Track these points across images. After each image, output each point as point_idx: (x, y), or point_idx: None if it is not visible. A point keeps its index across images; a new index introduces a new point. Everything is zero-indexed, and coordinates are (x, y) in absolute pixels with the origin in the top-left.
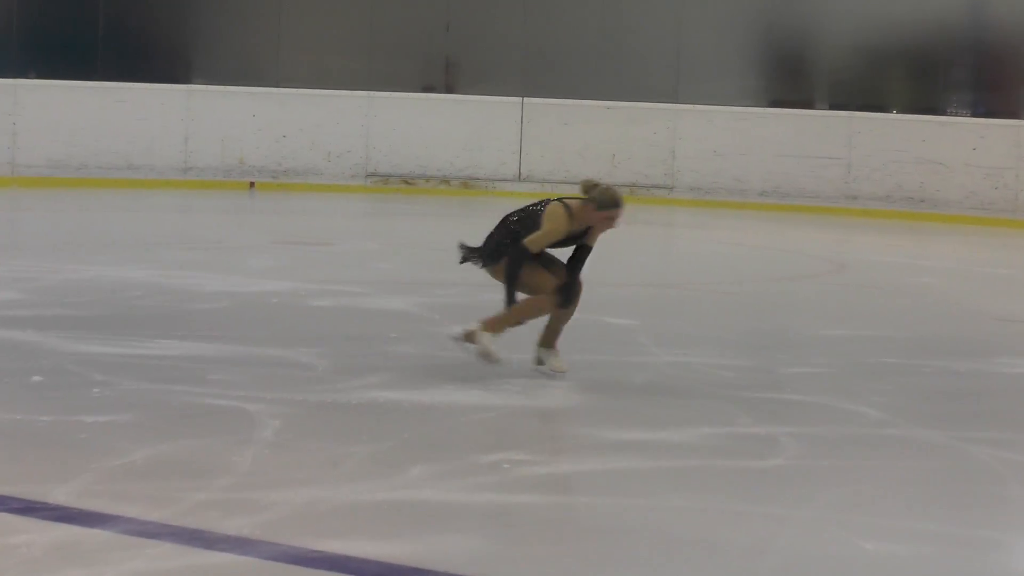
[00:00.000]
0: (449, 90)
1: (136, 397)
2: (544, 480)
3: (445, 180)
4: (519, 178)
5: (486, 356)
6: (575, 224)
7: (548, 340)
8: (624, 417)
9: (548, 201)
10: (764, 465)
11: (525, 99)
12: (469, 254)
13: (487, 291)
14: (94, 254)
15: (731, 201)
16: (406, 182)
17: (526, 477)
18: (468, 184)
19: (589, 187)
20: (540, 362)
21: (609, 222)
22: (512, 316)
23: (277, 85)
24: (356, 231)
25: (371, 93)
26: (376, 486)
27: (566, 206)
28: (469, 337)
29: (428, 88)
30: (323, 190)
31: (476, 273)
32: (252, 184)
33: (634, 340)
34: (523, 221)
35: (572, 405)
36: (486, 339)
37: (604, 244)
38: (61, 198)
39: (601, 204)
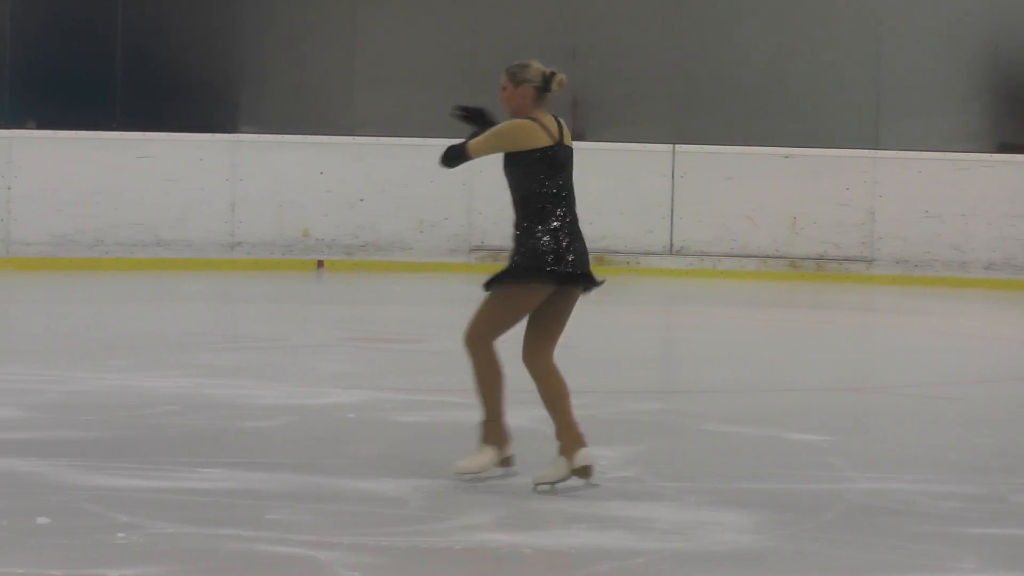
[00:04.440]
0: (577, 136)
1: (171, 544)
2: None
3: None
4: (670, 251)
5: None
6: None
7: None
8: (812, 564)
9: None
10: None
11: (676, 147)
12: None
13: (624, 400)
14: (112, 358)
15: (948, 277)
16: None
17: None
18: (604, 259)
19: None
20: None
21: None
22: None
23: (350, 133)
24: (456, 324)
25: None
26: None
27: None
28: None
29: None
30: (413, 270)
31: (614, 379)
32: (320, 264)
33: (824, 461)
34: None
35: (744, 549)
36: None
37: (781, 338)
38: (68, 285)
39: None
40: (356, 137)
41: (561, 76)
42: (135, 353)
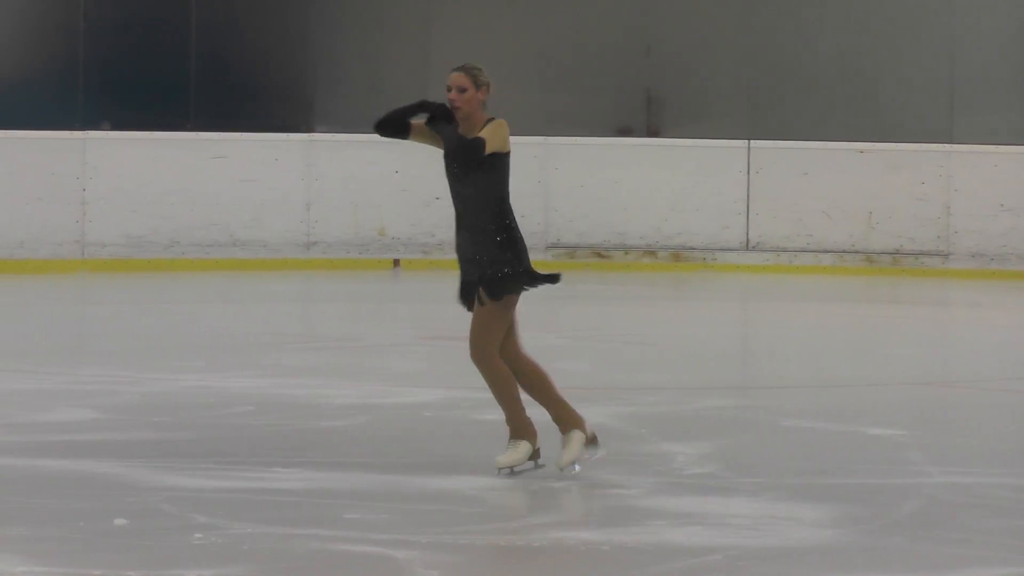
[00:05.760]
0: (652, 133)
1: (250, 544)
2: None
3: (649, 252)
4: (746, 246)
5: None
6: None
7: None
8: (891, 559)
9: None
10: None
11: (752, 143)
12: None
13: (701, 396)
14: (188, 359)
15: None
16: (598, 255)
17: None
18: (680, 256)
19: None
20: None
21: (448, 95)
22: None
23: None
24: (532, 321)
25: (548, 139)
26: None
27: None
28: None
29: (624, 131)
30: None
31: (691, 376)
32: (396, 262)
33: (901, 456)
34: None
35: (821, 543)
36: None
37: (858, 333)
38: (143, 286)
39: None
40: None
41: None
42: (211, 353)
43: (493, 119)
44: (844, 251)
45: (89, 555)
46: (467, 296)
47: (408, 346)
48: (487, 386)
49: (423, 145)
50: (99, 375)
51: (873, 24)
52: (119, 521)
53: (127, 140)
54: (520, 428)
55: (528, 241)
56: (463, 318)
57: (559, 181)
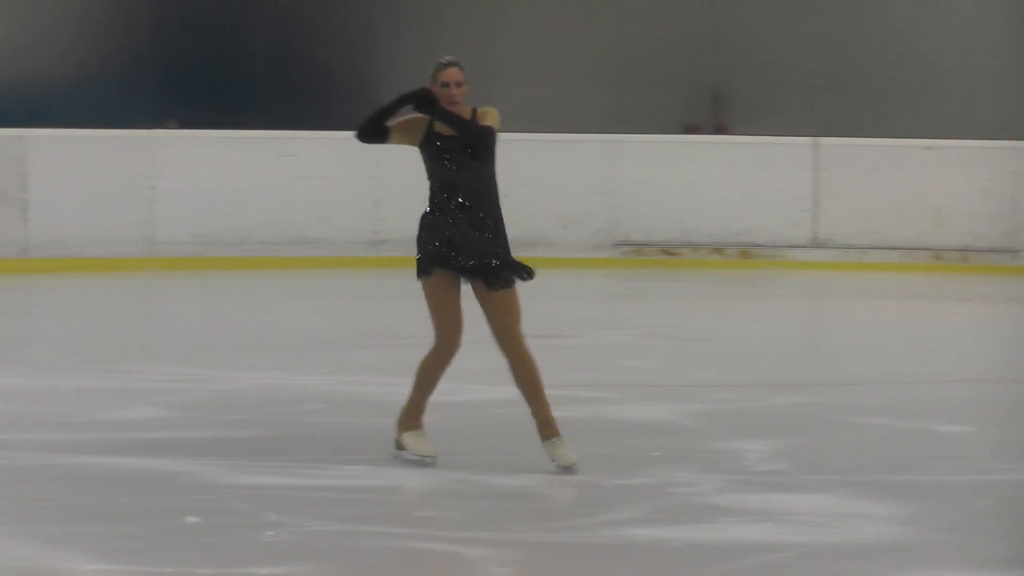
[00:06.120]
0: (719, 130)
1: (321, 541)
2: None
3: (717, 249)
4: (814, 243)
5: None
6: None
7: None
8: (961, 555)
9: None
10: None
11: (819, 140)
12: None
13: (771, 393)
14: (257, 357)
15: None
16: (667, 253)
17: None
18: (748, 253)
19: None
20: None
21: (444, 90)
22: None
23: None
24: (601, 318)
25: (617, 137)
26: None
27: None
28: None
29: (692, 128)
30: (557, 265)
31: (760, 373)
32: None
33: (971, 452)
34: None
35: (892, 540)
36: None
37: (927, 330)
38: (212, 284)
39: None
40: (499, 134)
41: None
42: (281, 352)
43: (477, 108)
44: (912, 248)
45: (160, 553)
46: (488, 277)
47: (478, 344)
48: (523, 375)
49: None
50: (171, 373)
51: (941, 20)
52: (191, 519)
53: (195, 138)
54: (552, 420)
55: (595, 239)
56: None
57: (627, 179)
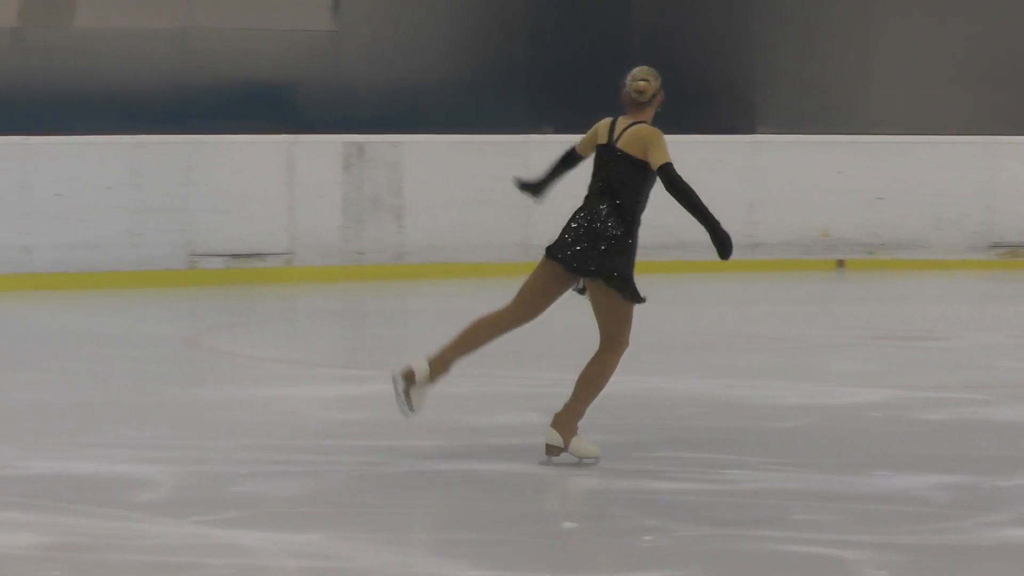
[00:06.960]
0: None
1: (699, 546)
2: None
3: None
4: None
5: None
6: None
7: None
8: None
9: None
10: None
11: None
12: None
13: None
14: (636, 361)
15: None
16: None
17: None
18: (1018, 252)
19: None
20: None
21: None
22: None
23: (867, 131)
24: (976, 320)
25: (992, 138)
26: None
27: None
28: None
29: None
30: (930, 267)
31: None
32: (840, 263)
33: None
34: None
35: None
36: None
37: None
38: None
39: None
40: (873, 136)
41: None
42: (659, 355)
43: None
44: None
45: (536, 559)
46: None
47: (853, 346)
48: (592, 373)
49: (863, 145)
50: (547, 378)
51: None
52: (568, 524)
53: (568, 144)
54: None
55: (969, 240)
56: (910, 316)
57: (1004, 180)
